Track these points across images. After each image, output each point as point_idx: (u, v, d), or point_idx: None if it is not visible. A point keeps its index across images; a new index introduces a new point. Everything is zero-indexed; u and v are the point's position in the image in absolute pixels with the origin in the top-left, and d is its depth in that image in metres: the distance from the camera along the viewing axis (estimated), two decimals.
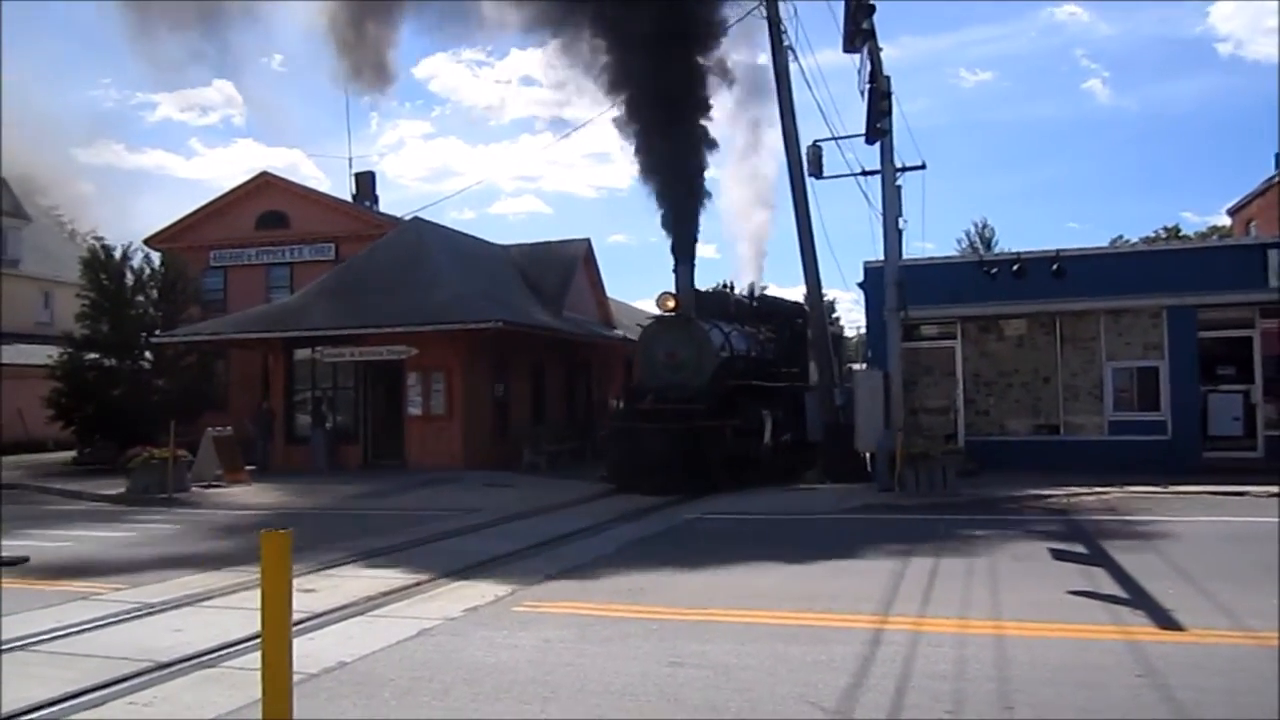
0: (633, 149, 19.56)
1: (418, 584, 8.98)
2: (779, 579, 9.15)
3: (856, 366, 27.57)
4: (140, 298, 27.59)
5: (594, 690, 5.59)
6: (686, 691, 5.52)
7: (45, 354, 28.97)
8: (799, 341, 24.69)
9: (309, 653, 6.44)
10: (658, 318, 19.28)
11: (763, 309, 24.30)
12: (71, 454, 28.16)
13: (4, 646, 6.88)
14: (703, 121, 19.43)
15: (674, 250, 19.10)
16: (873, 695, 5.36)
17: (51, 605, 8.41)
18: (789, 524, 13.22)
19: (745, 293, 24.64)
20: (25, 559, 11.11)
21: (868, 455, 18.42)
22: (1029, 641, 6.45)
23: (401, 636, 6.99)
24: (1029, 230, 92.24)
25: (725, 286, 23.79)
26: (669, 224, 19.14)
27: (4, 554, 11.22)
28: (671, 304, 18.69)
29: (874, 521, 13.25)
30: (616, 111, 19.95)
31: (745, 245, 34.23)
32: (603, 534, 12.29)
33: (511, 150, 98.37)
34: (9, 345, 33.57)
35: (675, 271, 19.04)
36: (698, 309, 19.86)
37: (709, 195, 20.09)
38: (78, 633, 7.34)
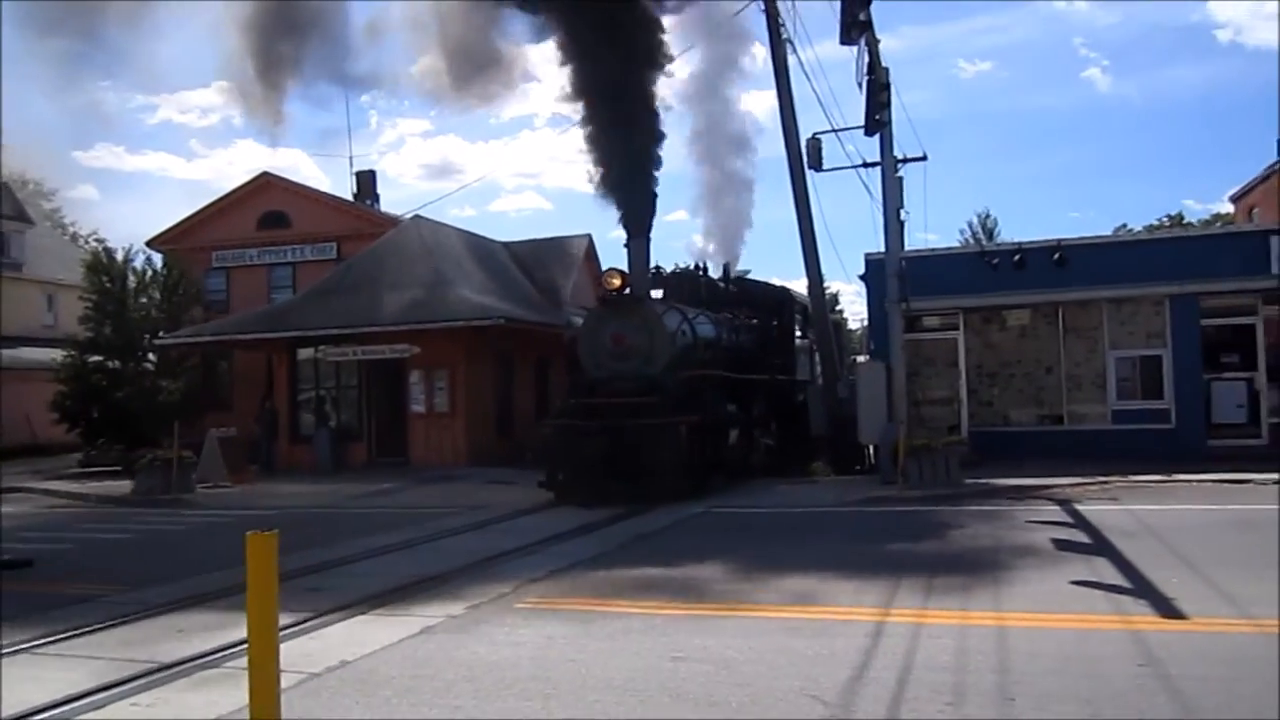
0: (578, 113, 16.68)
1: (420, 582, 8.98)
2: (780, 572, 9.14)
3: (860, 359, 27.33)
4: (143, 300, 27.75)
5: (595, 686, 5.59)
6: (688, 686, 5.52)
7: (50, 357, 29.07)
8: (785, 330, 22.32)
9: (311, 651, 6.47)
10: (602, 299, 16.48)
11: (741, 294, 21.67)
12: (77, 456, 28.23)
13: (6, 650, 6.90)
14: (651, 76, 16.60)
15: (623, 222, 16.38)
16: (873, 688, 5.35)
17: (56, 607, 8.43)
18: (792, 518, 13.21)
19: (723, 276, 21.88)
20: (29, 562, 11.13)
21: (871, 448, 18.44)
22: (1031, 632, 6.44)
23: (404, 634, 7.00)
24: (1032, 220, 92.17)
25: (698, 269, 21.08)
26: (615, 191, 16.38)
27: (8, 557, 11.25)
28: (616, 281, 15.82)
29: (877, 514, 13.25)
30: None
31: (713, 223, 30.55)
32: (605, 530, 12.26)
33: (511, 146, 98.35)
34: (11, 349, 33.64)
35: (626, 247, 16.51)
36: (664, 293, 18.09)
37: (658, 152, 16.74)
38: (80, 634, 7.35)
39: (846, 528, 12.06)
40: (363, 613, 7.82)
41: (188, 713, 5.36)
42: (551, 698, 5.40)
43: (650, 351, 15.60)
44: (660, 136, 16.62)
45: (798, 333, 22.50)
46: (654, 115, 16.47)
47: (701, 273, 20.72)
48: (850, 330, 54.08)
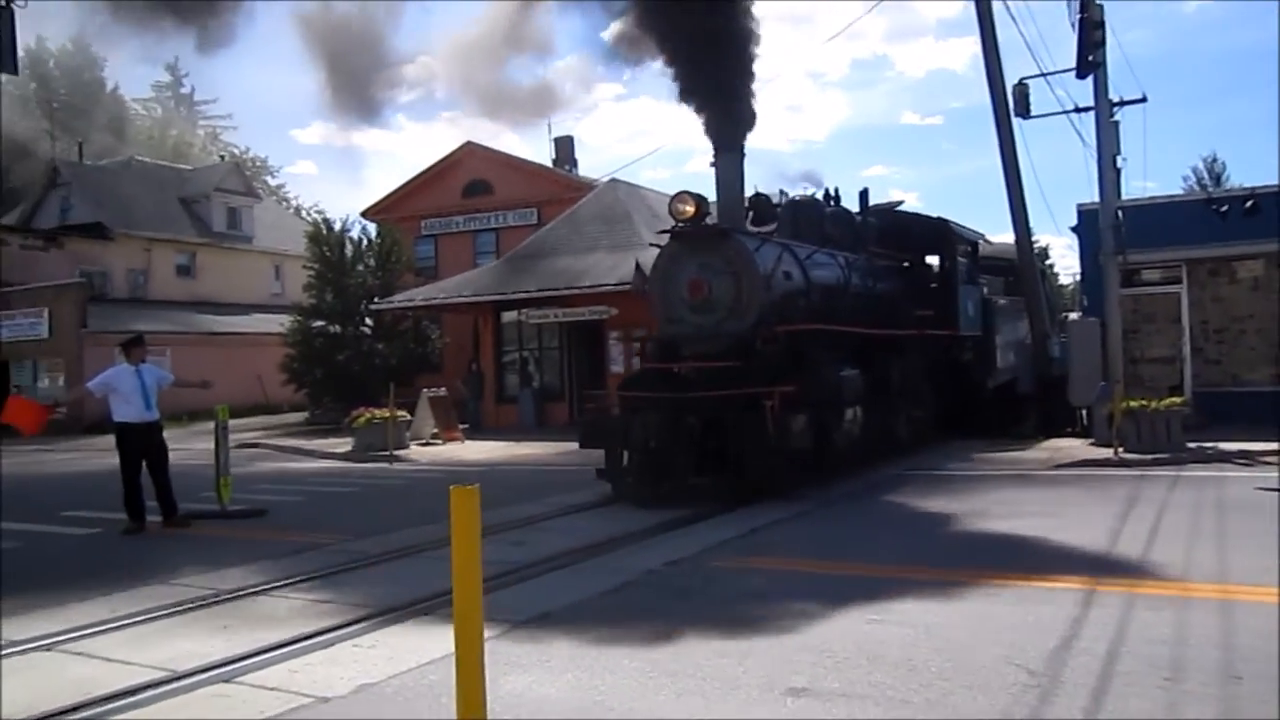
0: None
1: (616, 539, 9.18)
2: (984, 536, 8.86)
3: (1072, 315, 25.93)
4: (360, 267, 29.30)
5: (792, 646, 5.59)
6: (886, 649, 5.45)
7: (278, 323, 31.26)
8: (946, 273, 17.61)
9: (514, 603, 6.73)
10: (675, 232, 12.36)
11: (886, 228, 16.95)
12: (303, 415, 30.30)
13: (241, 592, 7.51)
14: None
15: (712, 134, 12.82)
16: (1083, 658, 5.13)
17: (286, 554, 9.10)
18: (997, 480, 12.76)
19: (861, 206, 16.98)
20: (263, 512, 12.05)
21: (1084, 410, 17.59)
22: (1260, 608, 6.00)
23: (604, 588, 7.19)
24: (1265, 163, 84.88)
25: (827, 197, 16.11)
26: (697, 91, 12.77)
27: (244, 507, 12.20)
28: (689, 208, 11.88)
29: (1089, 478, 12.64)
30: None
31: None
32: (803, 489, 12.14)
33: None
34: (243, 316, 36.36)
35: (714, 165, 12.89)
36: (777, 227, 14.15)
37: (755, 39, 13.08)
38: (309, 579, 7.91)
39: (1053, 491, 11.55)
40: (563, 566, 8.07)
41: (401, 655, 5.69)
42: (749, 656, 5.43)
43: (736, 300, 11.99)
44: (751, 35, 13.11)
45: (963, 275, 17.89)
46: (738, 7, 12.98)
47: (832, 201, 16.13)
48: (1061, 285, 51.66)
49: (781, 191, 15.70)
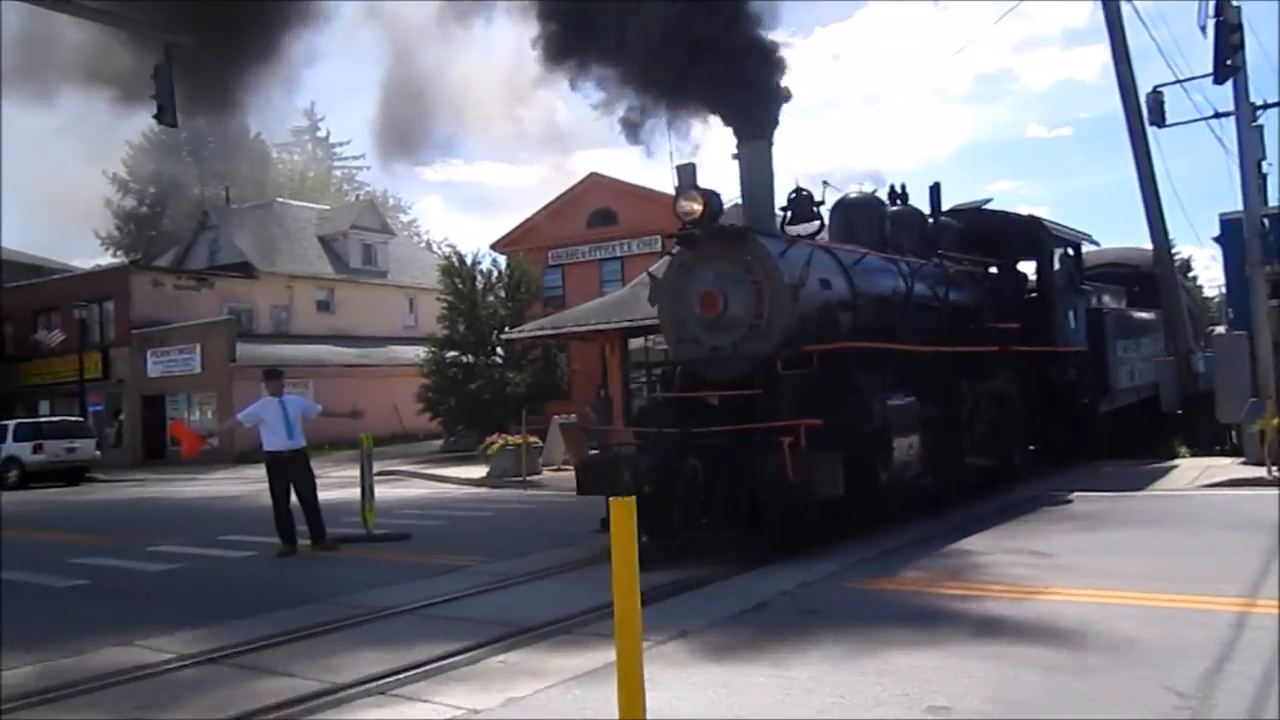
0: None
1: (754, 559, 9.24)
2: (1129, 557, 8.63)
3: (1218, 329, 24.83)
4: (490, 299, 30.09)
5: (929, 664, 5.59)
6: (1026, 668, 5.40)
7: (413, 354, 32.35)
8: (1044, 280, 15.12)
9: (653, 622, 6.85)
10: (682, 236, 10.50)
11: (966, 230, 14.61)
12: (439, 443, 31.21)
13: (391, 610, 7.86)
14: None
15: (728, 120, 10.81)
16: (1236, 682, 5.00)
17: (434, 575, 9.48)
18: (1141, 500, 12.37)
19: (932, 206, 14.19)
20: (407, 536, 12.52)
21: (1233, 428, 16.89)
22: None
23: (743, 607, 7.29)
24: None
25: (893, 194, 13.69)
26: (708, 83, 10.43)
27: (389, 530, 12.70)
28: (696, 206, 10.01)
29: (1239, 498, 12.14)
30: None
31: None
32: (941, 511, 11.97)
33: (819, 128, 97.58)
34: (380, 348, 37.71)
35: (736, 157, 10.91)
36: (827, 231, 12.12)
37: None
38: (457, 599, 8.26)
39: (1202, 512, 11.15)
40: (701, 585, 8.19)
41: (545, 671, 5.89)
42: (885, 674, 5.46)
43: (758, 314, 9.94)
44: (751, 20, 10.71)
45: (1062, 282, 15.38)
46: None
47: (897, 199, 13.70)
48: (1206, 298, 49.57)
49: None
